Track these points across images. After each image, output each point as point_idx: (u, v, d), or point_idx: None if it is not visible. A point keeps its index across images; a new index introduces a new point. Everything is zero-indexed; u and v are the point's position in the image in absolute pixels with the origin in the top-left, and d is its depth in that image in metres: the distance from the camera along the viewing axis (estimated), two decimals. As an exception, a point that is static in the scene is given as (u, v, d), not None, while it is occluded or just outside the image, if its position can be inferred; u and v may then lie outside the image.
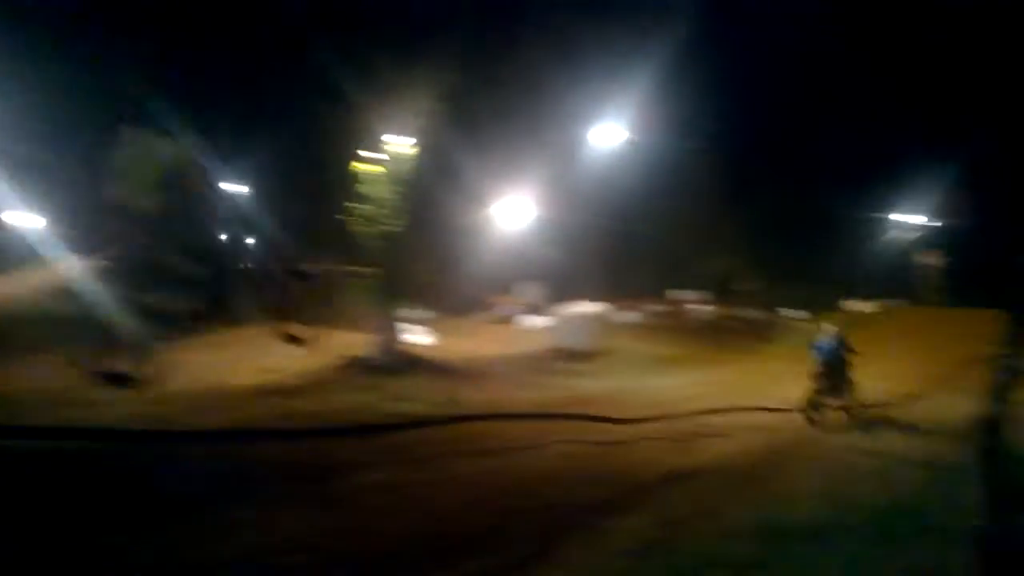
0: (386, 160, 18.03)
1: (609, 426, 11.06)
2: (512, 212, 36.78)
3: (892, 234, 47.38)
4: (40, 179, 38.48)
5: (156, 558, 5.69)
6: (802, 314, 40.52)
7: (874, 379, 17.16)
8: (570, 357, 20.86)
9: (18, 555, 5.36)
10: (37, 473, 7.43)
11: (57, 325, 17.60)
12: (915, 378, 15.17)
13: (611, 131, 31.70)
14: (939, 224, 45.52)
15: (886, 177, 51.24)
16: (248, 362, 17.49)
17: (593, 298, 26.68)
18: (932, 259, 42.96)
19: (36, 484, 7.04)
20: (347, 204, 18.01)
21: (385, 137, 18.16)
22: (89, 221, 37.31)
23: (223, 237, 44.06)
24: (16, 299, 22.82)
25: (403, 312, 19.52)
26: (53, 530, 5.93)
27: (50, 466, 7.72)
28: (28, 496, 6.64)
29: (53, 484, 7.08)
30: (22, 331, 19.88)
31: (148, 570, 5.43)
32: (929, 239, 46.86)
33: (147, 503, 7.16)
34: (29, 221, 37.54)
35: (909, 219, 45.70)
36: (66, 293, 22.00)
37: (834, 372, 13.00)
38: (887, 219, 46.82)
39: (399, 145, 18.01)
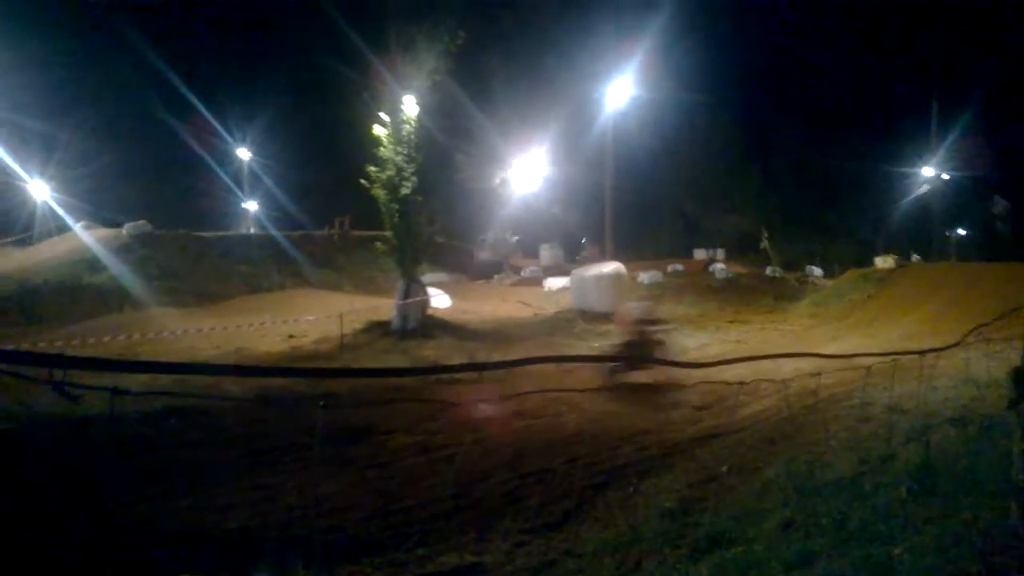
0: (394, 121, 17.90)
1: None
2: (527, 173, 36.64)
3: (910, 188, 46.97)
4: (48, 151, 39.01)
5: (195, 521, 5.81)
6: (821, 272, 40.44)
7: (899, 335, 17.14)
8: (592, 318, 20.87)
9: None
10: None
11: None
12: (941, 333, 15.07)
13: (622, 87, 31.31)
14: (957, 175, 45.15)
15: (903, 130, 50.82)
16: (273, 327, 17.61)
17: (612, 258, 26.56)
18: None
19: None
20: (367, 168, 17.93)
21: (390, 97, 18.02)
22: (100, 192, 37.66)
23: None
24: (42, 269, 23.07)
25: (421, 276, 19.52)
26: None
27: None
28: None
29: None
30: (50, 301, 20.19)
31: (185, 532, 5.55)
32: (947, 192, 46.55)
33: (185, 467, 7.34)
34: (43, 192, 38.11)
35: (926, 172, 45.26)
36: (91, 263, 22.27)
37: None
38: (904, 172, 46.42)
39: (405, 104, 17.88)
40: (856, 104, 61.26)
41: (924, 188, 45.75)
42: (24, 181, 38.22)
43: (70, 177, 40.15)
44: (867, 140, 48.88)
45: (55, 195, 38.92)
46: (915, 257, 36.97)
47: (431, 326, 18.44)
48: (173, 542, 5.33)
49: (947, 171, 45.00)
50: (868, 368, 7.64)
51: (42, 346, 13.80)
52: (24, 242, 34.99)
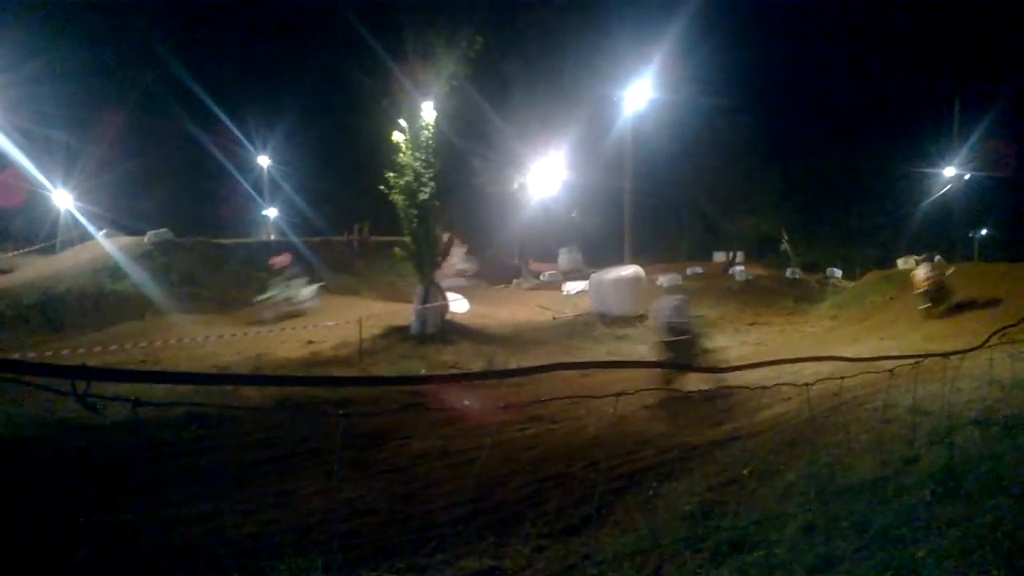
0: (412, 127, 17.96)
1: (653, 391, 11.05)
2: (545, 177, 36.62)
3: (932, 188, 46.50)
4: (71, 160, 39.53)
5: (216, 525, 5.84)
6: (841, 273, 40.15)
7: (922, 336, 16.98)
8: (611, 322, 20.82)
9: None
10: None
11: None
12: (964, 335, 14.91)
13: (641, 91, 31.20)
14: (980, 175, 44.64)
15: (924, 130, 50.36)
16: (292, 333, 17.68)
17: (631, 261, 26.48)
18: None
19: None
20: (386, 174, 18.00)
21: (409, 103, 18.09)
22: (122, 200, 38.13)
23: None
24: (65, 277, 23.32)
25: (440, 281, 19.55)
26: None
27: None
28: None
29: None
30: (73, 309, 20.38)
31: (205, 537, 5.58)
32: (970, 192, 46.07)
33: (205, 472, 7.38)
34: (66, 201, 38.60)
35: (948, 172, 44.80)
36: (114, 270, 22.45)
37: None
38: (926, 173, 45.96)
39: (423, 110, 17.94)
40: (877, 105, 60.72)
41: (947, 188, 45.30)
42: (48, 190, 38.68)
43: (92, 186, 40.62)
44: (888, 141, 48.55)
45: (78, 204, 39.36)
46: (937, 258, 36.55)
47: (450, 331, 18.46)
48: (193, 547, 5.36)
49: (969, 171, 44.55)
50: (891, 371, 7.57)
51: (65, 353, 13.95)
52: (47, 250, 35.41)
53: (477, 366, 15.44)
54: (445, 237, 19.17)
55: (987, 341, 7.74)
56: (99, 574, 4.76)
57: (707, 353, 12.83)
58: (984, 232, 53.38)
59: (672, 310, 12.45)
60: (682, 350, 11.94)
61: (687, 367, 11.30)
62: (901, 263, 31.65)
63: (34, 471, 7.36)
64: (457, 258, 33.45)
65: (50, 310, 20.77)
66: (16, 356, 12.33)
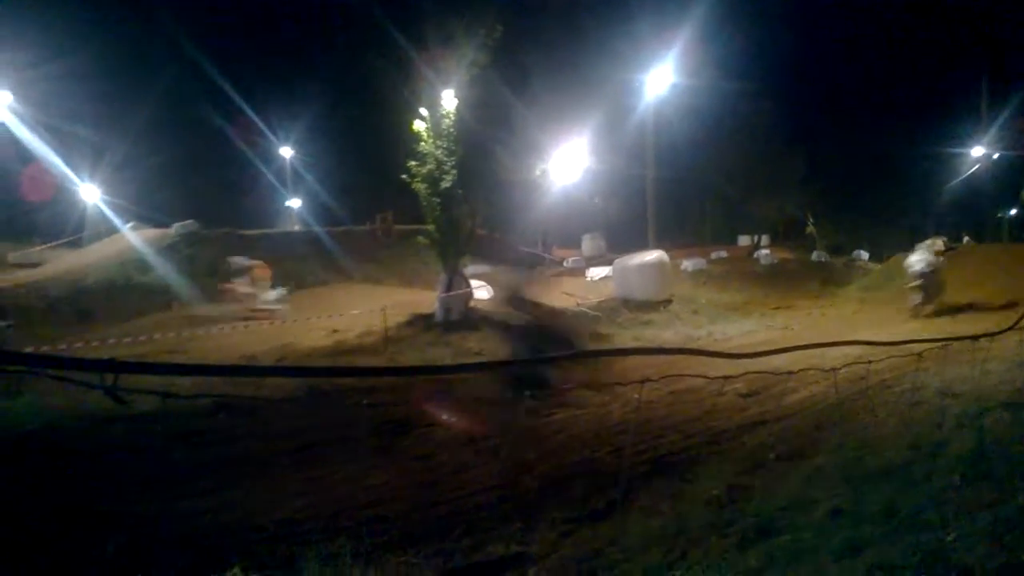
0: (433, 115, 17.94)
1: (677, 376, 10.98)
2: (567, 164, 36.40)
3: (960, 168, 45.75)
4: (97, 155, 39.93)
5: (245, 512, 5.90)
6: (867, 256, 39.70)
7: (950, 319, 16.79)
8: (636, 307, 20.73)
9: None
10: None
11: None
12: (993, 316, 14.74)
13: (662, 76, 30.89)
14: (1010, 154, 43.82)
15: (952, 109, 49.56)
16: (317, 322, 17.77)
17: (654, 246, 26.33)
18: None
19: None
20: (408, 163, 18.01)
21: (430, 92, 18.06)
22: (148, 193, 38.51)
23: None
24: (93, 269, 23.62)
25: (464, 268, 19.54)
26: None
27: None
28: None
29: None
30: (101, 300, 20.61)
31: (235, 524, 5.64)
32: (998, 171, 45.24)
33: (235, 461, 7.46)
34: (93, 195, 39.04)
35: (976, 152, 44.03)
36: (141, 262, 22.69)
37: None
38: (954, 153, 45.20)
39: (444, 99, 17.91)
40: (904, 84, 59.72)
41: (975, 168, 44.56)
42: (75, 185, 39.11)
43: (119, 180, 41.02)
44: (915, 120, 47.87)
45: (104, 197, 39.76)
46: (966, 239, 36.06)
47: (474, 318, 18.45)
48: (223, 533, 5.42)
49: (998, 150, 43.78)
50: (919, 354, 7.50)
51: (94, 345, 14.13)
52: (75, 244, 35.85)
53: (502, 353, 15.43)
54: None
55: (1017, 322, 7.64)
56: (131, 561, 4.83)
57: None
58: (1013, 212, 52.50)
59: (924, 263, 18.21)
60: (932, 287, 18.07)
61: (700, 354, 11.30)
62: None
63: (64, 463, 7.47)
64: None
65: (79, 302, 21.02)
66: (45, 348, 12.53)
